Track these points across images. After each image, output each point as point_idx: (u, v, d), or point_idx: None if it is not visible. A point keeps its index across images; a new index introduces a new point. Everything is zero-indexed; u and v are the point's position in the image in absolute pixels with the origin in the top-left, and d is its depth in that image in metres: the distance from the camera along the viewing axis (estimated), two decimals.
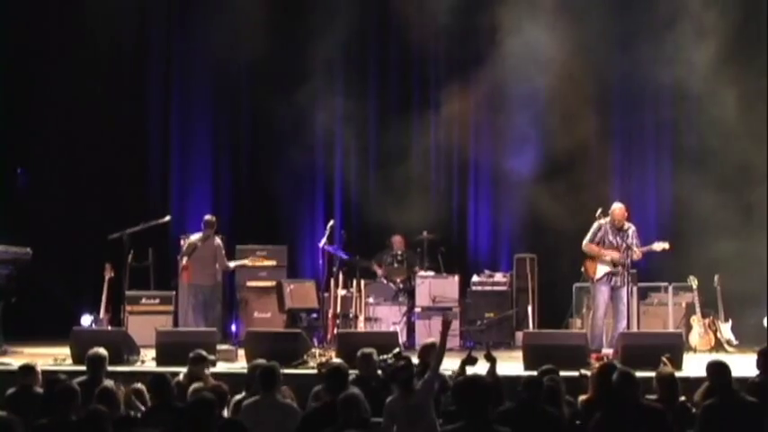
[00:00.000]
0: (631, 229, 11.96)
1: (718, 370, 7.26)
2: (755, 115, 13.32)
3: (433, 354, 7.85)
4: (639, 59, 14.30)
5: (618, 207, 11.98)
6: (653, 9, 14.16)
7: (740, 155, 13.44)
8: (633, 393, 6.63)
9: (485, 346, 8.69)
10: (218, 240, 12.81)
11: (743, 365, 9.38)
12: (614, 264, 11.79)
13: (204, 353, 8.40)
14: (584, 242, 11.96)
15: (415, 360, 8.26)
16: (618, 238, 11.85)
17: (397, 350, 9.09)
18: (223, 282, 13.60)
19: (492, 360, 8.10)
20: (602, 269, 11.83)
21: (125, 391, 7.70)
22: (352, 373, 7.97)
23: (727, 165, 13.60)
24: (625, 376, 6.78)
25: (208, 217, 12.85)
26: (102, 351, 8.17)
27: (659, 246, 11.91)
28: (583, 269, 12.13)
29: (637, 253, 11.80)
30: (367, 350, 8.38)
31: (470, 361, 8.27)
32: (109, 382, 7.55)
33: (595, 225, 11.96)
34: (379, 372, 8.38)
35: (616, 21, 14.31)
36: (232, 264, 13.04)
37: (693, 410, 7.14)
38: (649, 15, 14.22)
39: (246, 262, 13.15)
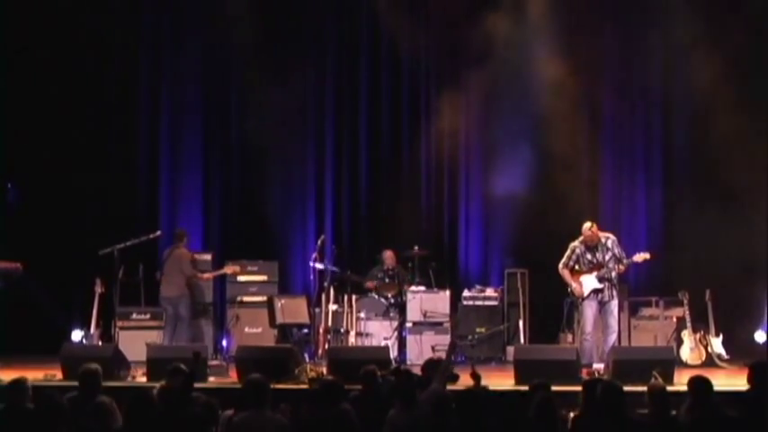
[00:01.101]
0: (610, 240, 11.84)
1: (698, 385, 7.25)
2: (749, 129, 13.36)
3: (436, 369, 7.87)
4: (631, 73, 14.36)
5: (586, 227, 11.84)
6: (646, 23, 14.21)
7: (733, 168, 13.49)
8: (618, 405, 6.62)
9: (470, 364, 8.64)
10: (183, 251, 12.84)
11: (733, 380, 9.39)
12: (599, 280, 11.77)
13: (183, 366, 8.10)
14: (560, 266, 11.93)
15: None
16: (598, 255, 11.77)
17: (394, 366, 9.10)
18: (213, 297, 13.62)
19: (477, 378, 8.03)
20: (587, 287, 11.80)
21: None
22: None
23: (719, 178, 13.64)
24: (609, 388, 6.77)
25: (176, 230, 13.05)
26: (95, 366, 8.12)
27: (640, 257, 11.83)
28: (569, 290, 12.12)
29: (620, 266, 11.77)
30: (370, 367, 8.30)
31: (451, 378, 8.24)
32: (106, 399, 7.52)
33: (569, 248, 11.94)
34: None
35: (608, 35, 14.39)
36: (207, 274, 12.98)
37: None
38: (642, 29, 14.26)
39: (226, 270, 13.19)
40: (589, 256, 11.81)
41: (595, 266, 11.78)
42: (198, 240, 14.34)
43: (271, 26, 14.55)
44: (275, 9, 14.74)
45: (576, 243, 11.90)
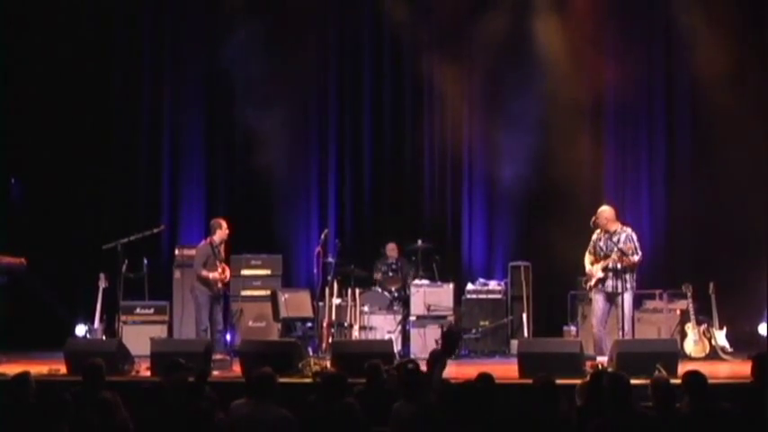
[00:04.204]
0: (624, 233, 11.63)
1: (692, 379, 7.22)
2: (752, 121, 13.35)
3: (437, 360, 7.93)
4: (633, 67, 14.32)
5: (600, 211, 11.72)
6: (650, 5, 14.19)
7: (735, 162, 13.48)
8: (624, 397, 6.61)
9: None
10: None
11: (737, 372, 9.37)
12: (603, 270, 11.66)
13: (182, 361, 8.15)
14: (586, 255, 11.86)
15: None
16: (610, 243, 11.60)
17: (396, 361, 9.14)
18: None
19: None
20: (594, 277, 11.73)
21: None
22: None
23: (722, 171, 13.62)
24: (615, 379, 6.76)
25: None
26: (99, 361, 8.13)
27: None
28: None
29: (624, 259, 11.52)
30: (374, 361, 8.29)
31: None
32: (109, 393, 7.53)
33: (594, 236, 11.87)
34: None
35: (612, 30, 14.36)
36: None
37: None
38: (646, 11, 14.23)
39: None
40: (602, 244, 11.71)
41: (603, 256, 11.68)
42: (201, 234, 14.32)
43: (272, 17, 14.51)
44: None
45: (598, 230, 11.79)
